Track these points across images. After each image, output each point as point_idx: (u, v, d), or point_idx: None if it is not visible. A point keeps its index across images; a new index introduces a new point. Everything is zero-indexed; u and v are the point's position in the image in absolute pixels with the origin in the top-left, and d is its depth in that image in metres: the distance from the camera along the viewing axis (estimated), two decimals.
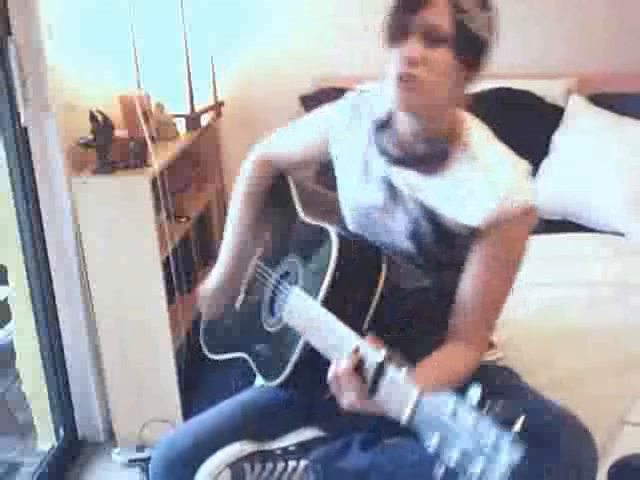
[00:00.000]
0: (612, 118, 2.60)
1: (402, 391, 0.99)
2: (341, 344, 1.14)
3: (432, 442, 0.90)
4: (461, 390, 0.91)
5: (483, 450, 0.84)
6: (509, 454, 0.82)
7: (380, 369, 1.04)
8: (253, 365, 1.43)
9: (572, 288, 2.05)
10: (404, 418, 0.97)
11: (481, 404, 0.88)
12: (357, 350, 1.09)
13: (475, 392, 0.89)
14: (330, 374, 1.12)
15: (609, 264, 2.20)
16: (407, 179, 1.34)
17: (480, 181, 1.26)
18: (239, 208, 1.60)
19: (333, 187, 1.52)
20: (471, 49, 1.22)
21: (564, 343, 1.78)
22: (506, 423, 0.85)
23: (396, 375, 1.02)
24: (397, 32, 1.22)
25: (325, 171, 1.60)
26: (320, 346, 1.21)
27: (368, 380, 1.05)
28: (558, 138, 2.62)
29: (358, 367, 1.07)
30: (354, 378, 1.07)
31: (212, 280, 1.59)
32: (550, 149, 2.61)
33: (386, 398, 1.03)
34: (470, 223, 1.27)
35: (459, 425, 0.88)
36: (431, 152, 1.30)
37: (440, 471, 0.89)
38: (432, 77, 1.21)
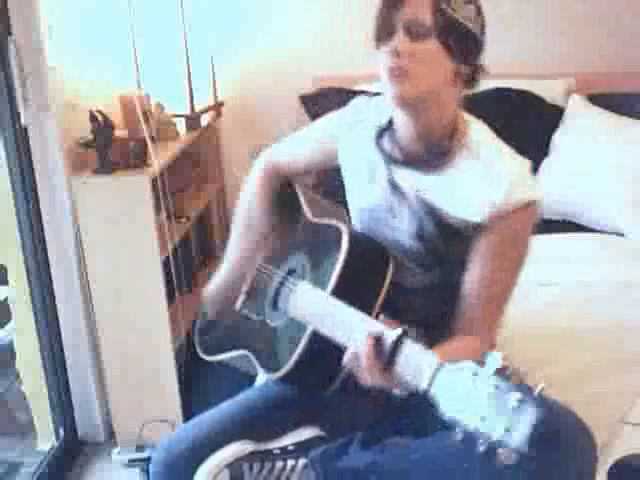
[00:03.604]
0: (612, 118, 2.60)
1: (421, 359, 1.00)
2: (354, 328, 1.14)
3: (451, 409, 0.90)
4: None
5: (505, 412, 0.84)
6: (531, 415, 0.83)
7: (399, 341, 1.05)
8: (255, 360, 1.42)
9: (572, 288, 2.05)
10: (423, 385, 0.97)
11: (500, 371, 0.88)
12: (374, 329, 1.10)
13: (495, 358, 0.89)
14: (350, 352, 1.12)
15: (609, 264, 2.20)
16: (410, 178, 1.36)
17: (481, 176, 1.28)
18: (245, 216, 1.61)
19: (335, 192, 1.53)
20: (457, 38, 1.25)
21: (564, 342, 1.78)
22: (524, 389, 0.85)
23: (414, 345, 1.03)
24: (383, 31, 1.27)
25: (327, 178, 1.61)
26: (332, 334, 1.21)
27: (386, 352, 1.06)
28: (558, 138, 2.62)
29: (376, 342, 1.08)
30: (373, 352, 1.07)
31: (217, 280, 1.59)
32: (550, 149, 2.61)
33: (405, 368, 1.03)
34: (472, 218, 1.28)
35: (480, 389, 0.88)
36: (431, 150, 1.32)
37: (458, 437, 0.89)
38: (421, 68, 1.24)
